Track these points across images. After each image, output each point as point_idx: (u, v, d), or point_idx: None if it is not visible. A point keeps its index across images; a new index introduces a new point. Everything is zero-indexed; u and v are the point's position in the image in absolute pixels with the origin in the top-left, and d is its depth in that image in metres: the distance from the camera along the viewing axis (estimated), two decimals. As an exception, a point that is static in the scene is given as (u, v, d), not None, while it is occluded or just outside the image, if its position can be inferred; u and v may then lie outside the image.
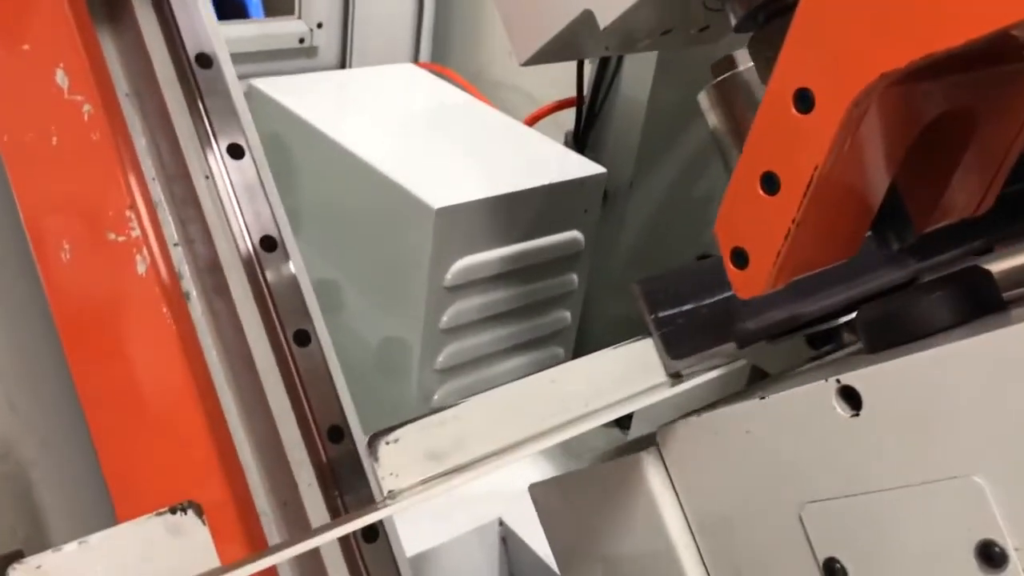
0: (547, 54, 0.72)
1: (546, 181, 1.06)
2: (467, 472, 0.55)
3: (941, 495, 0.47)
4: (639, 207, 1.26)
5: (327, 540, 0.46)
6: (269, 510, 0.78)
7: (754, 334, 0.63)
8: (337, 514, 0.76)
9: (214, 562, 0.49)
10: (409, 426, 0.56)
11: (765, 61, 0.57)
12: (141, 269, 0.73)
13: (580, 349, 1.25)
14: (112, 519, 0.71)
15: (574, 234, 1.12)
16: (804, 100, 0.46)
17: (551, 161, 1.13)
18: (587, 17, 0.65)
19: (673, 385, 0.65)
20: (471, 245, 1.02)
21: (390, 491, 0.55)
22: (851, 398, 0.51)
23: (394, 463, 0.55)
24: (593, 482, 0.72)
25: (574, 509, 0.73)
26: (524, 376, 1.16)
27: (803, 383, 0.53)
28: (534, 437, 0.61)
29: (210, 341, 0.78)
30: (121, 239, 0.72)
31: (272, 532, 0.77)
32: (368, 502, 0.77)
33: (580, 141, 1.27)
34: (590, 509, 0.72)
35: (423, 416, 0.57)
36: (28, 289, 0.72)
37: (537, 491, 0.79)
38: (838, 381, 0.51)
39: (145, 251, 0.73)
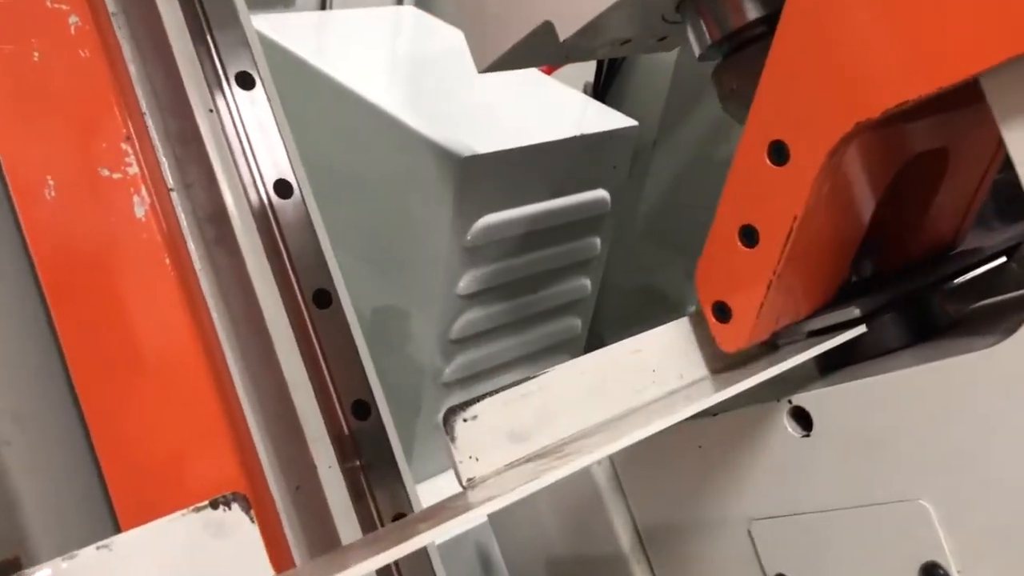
0: (506, 62, 0.73)
1: (575, 132, 0.96)
2: (558, 462, 0.45)
3: (888, 517, 0.49)
4: (661, 169, 1.17)
5: (424, 543, 0.36)
6: (279, 494, 0.67)
7: (878, 299, 0.54)
8: (363, 501, 0.66)
9: (265, 569, 0.39)
10: (488, 400, 0.47)
11: (729, 91, 0.58)
12: (139, 212, 0.62)
13: (595, 320, 1.16)
14: (100, 506, 0.60)
15: (601, 193, 1.03)
16: (779, 153, 0.48)
17: (577, 112, 1.04)
18: (547, 28, 0.65)
19: (770, 357, 0.56)
20: (495, 201, 0.92)
21: (470, 479, 0.45)
22: (802, 419, 0.52)
23: (474, 444, 0.46)
24: (547, 492, 0.71)
25: (529, 517, 0.73)
26: (541, 348, 1.08)
27: (755, 401, 0.54)
28: (624, 415, 0.52)
29: (212, 301, 0.67)
30: (116, 176, 0.62)
31: (283, 520, 0.67)
32: (398, 490, 0.67)
33: (600, 94, 1.17)
34: (544, 518, 0.72)
35: (502, 389, 0.48)
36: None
37: None
38: (790, 401, 0.52)
39: (144, 191, 0.62)
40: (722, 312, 0.54)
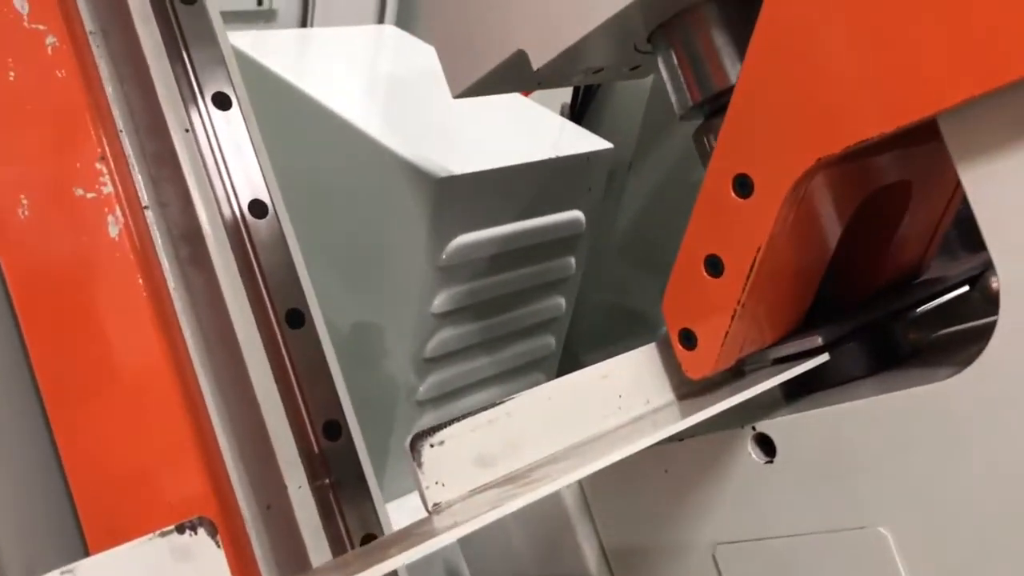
0: (480, 89, 0.73)
1: (551, 155, 0.97)
2: (523, 489, 0.46)
3: (848, 543, 0.50)
4: (637, 191, 1.17)
5: (388, 569, 0.36)
6: (249, 513, 0.67)
7: (842, 328, 0.55)
8: (332, 521, 0.67)
9: (229, 594, 0.39)
10: (456, 425, 0.47)
11: (709, 150, 0.58)
12: (113, 232, 0.62)
13: (569, 339, 1.17)
14: (69, 525, 0.60)
15: (576, 214, 1.03)
16: (743, 185, 0.49)
17: (554, 133, 1.04)
18: (520, 57, 0.65)
19: (735, 384, 0.57)
20: (470, 221, 0.93)
21: (436, 504, 0.45)
22: (766, 445, 0.53)
23: (440, 470, 0.46)
24: (516, 513, 0.71)
25: (498, 537, 0.74)
26: (516, 367, 1.08)
27: (720, 427, 0.55)
28: (592, 440, 0.52)
29: (184, 320, 0.67)
30: (90, 196, 0.62)
31: (252, 539, 0.67)
32: (368, 511, 0.67)
33: (577, 116, 1.18)
34: (513, 539, 0.72)
35: (470, 414, 0.48)
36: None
37: None
38: (754, 428, 0.53)
39: (119, 211, 0.62)
40: (688, 339, 0.54)
